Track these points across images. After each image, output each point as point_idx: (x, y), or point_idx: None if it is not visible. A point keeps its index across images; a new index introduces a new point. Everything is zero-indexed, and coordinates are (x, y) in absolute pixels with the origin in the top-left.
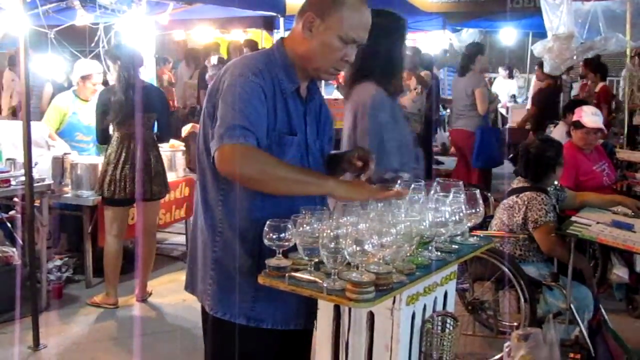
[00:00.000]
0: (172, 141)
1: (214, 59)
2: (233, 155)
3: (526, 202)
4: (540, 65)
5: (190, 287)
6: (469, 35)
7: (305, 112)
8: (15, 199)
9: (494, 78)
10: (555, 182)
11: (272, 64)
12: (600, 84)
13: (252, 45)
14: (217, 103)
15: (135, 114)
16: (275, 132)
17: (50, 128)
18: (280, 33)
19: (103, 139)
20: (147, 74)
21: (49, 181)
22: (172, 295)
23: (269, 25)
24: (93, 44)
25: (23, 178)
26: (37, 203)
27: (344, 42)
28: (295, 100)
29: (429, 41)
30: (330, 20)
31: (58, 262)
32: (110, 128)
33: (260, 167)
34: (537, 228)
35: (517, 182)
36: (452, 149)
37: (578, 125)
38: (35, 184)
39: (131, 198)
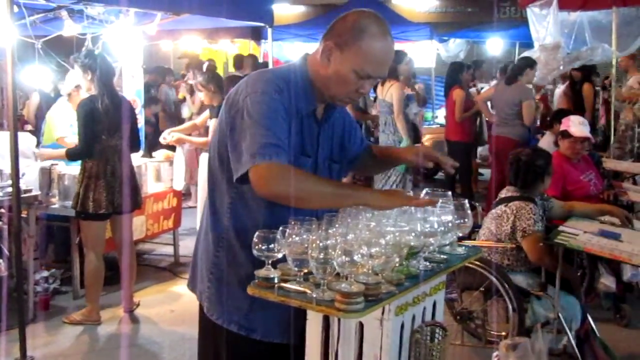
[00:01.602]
0: (166, 152)
1: (204, 66)
2: (271, 175)
3: (515, 212)
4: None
5: (191, 284)
6: (456, 45)
7: (319, 132)
8: (2, 210)
9: (482, 88)
10: (543, 193)
11: (291, 83)
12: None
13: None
14: (236, 115)
15: (120, 125)
16: (291, 151)
17: (61, 134)
18: (268, 43)
19: (90, 151)
20: (136, 85)
21: (36, 192)
22: (160, 306)
23: (257, 35)
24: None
25: (10, 189)
26: (24, 214)
27: (359, 76)
28: (310, 121)
29: (417, 51)
30: (348, 53)
31: (45, 274)
32: None
33: (300, 185)
34: (525, 237)
35: (506, 192)
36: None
37: (565, 134)
38: (22, 195)
39: (113, 211)
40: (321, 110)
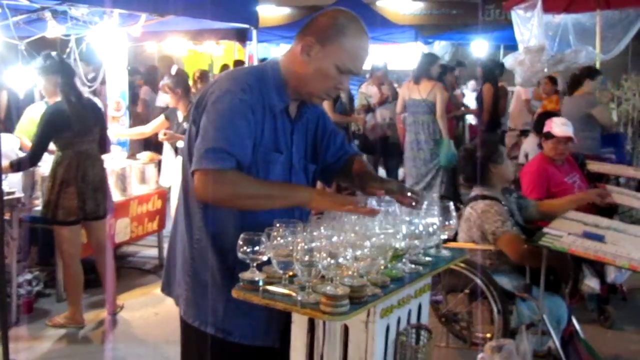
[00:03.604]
0: (149, 153)
1: (173, 69)
2: (207, 181)
3: (480, 215)
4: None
5: (166, 289)
6: (441, 47)
7: (293, 130)
8: None
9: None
10: (513, 190)
11: (263, 81)
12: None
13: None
14: (202, 115)
15: (90, 129)
16: (262, 148)
17: (24, 138)
18: (253, 45)
19: (36, 162)
20: (120, 87)
21: (19, 194)
22: (144, 308)
23: (242, 37)
24: (65, 56)
25: None
26: (7, 216)
27: (340, 71)
28: (283, 119)
29: (401, 53)
30: (330, 49)
31: (28, 276)
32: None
33: (231, 191)
34: (498, 239)
35: (473, 191)
36: None
37: (549, 135)
38: (5, 197)
39: (84, 218)
40: (294, 108)
